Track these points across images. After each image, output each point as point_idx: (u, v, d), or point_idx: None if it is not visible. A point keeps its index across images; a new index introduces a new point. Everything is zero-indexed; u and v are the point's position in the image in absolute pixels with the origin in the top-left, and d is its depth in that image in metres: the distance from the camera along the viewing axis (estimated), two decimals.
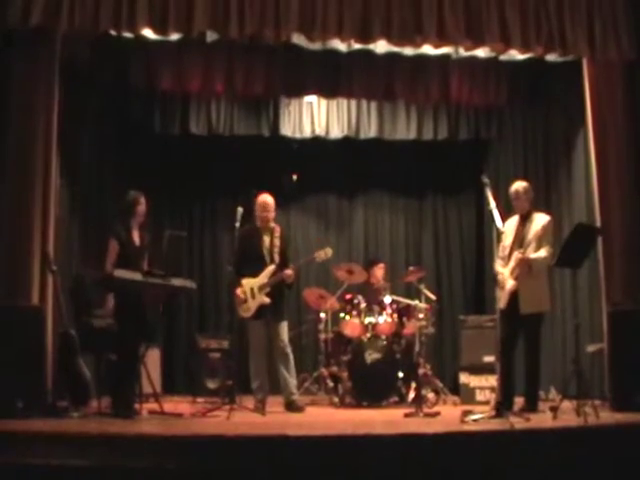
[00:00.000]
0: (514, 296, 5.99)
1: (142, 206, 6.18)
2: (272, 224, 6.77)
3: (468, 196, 9.32)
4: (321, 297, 7.76)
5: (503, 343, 5.85)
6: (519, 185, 6.28)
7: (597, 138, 6.62)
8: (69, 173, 6.93)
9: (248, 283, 6.58)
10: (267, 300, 6.53)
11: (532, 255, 6.01)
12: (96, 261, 6.34)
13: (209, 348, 7.68)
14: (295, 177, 8.76)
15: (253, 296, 6.54)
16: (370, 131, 8.47)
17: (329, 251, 6.82)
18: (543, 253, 6.03)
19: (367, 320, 7.28)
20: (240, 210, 6.48)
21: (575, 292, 6.09)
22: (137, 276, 5.86)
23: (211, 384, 7.54)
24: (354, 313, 7.35)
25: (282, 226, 6.99)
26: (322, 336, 7.75)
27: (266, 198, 6.78)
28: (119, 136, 8.30)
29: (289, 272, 6.59)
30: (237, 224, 6.44)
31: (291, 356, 6.64)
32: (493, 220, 5.63)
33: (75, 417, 5.68)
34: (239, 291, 6.57)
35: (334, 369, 7.42)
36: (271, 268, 6.61)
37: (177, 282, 6.09)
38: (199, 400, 7.30)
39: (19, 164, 6.07)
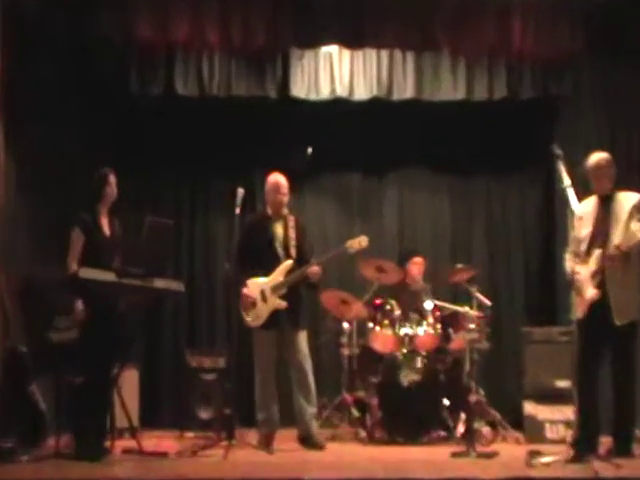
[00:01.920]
0: (597, 303, 5.83)
1: (112, 186, 6.22)
2: (285, 210, 6.84)
3: (533, 173, 9.18)
4: (344, 302, 7.74)
5: (582, 364, 5.78)
6: (601, 158, 6.13)
7: None
8: (18, 149, 6.95)
9: (256, 284, 6.60)
10: (283, 304, 6.56)
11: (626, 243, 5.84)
12: (55, 257, 6.33)
13: (201, 368, 7.74)
14: (310, 150, 8.65)
15: (265, 299, 6.58)
16: (406, 91, 8.35)
17: (364, 240, 6.79)
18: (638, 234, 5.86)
19: (402, 331, 7.34)
20: (241, 192, 6.57)
21: None
22: (109, 276, 5.88)
23: (204, 414, 7.60)
24: (386, 323, 7.41)
25: (296, 214, 7.02)
26: (345, 352, 7.78)
27: (278, 178, 6.86)
28: (85, 100, 8.23)
29: (315, 268, 6.62)
30: (237, 210, 6.50)
31: (311, 376, 6.65)
32: (567, 202, 5.63)
33: (25, 461, 5.68)
34: (246, 292, 6.57)
35: (361, 394, 7.50)
36: (288, 264, 6.65)
37: (160, 284, 6.12)
38: (188, 435, 7.38)
39: None
